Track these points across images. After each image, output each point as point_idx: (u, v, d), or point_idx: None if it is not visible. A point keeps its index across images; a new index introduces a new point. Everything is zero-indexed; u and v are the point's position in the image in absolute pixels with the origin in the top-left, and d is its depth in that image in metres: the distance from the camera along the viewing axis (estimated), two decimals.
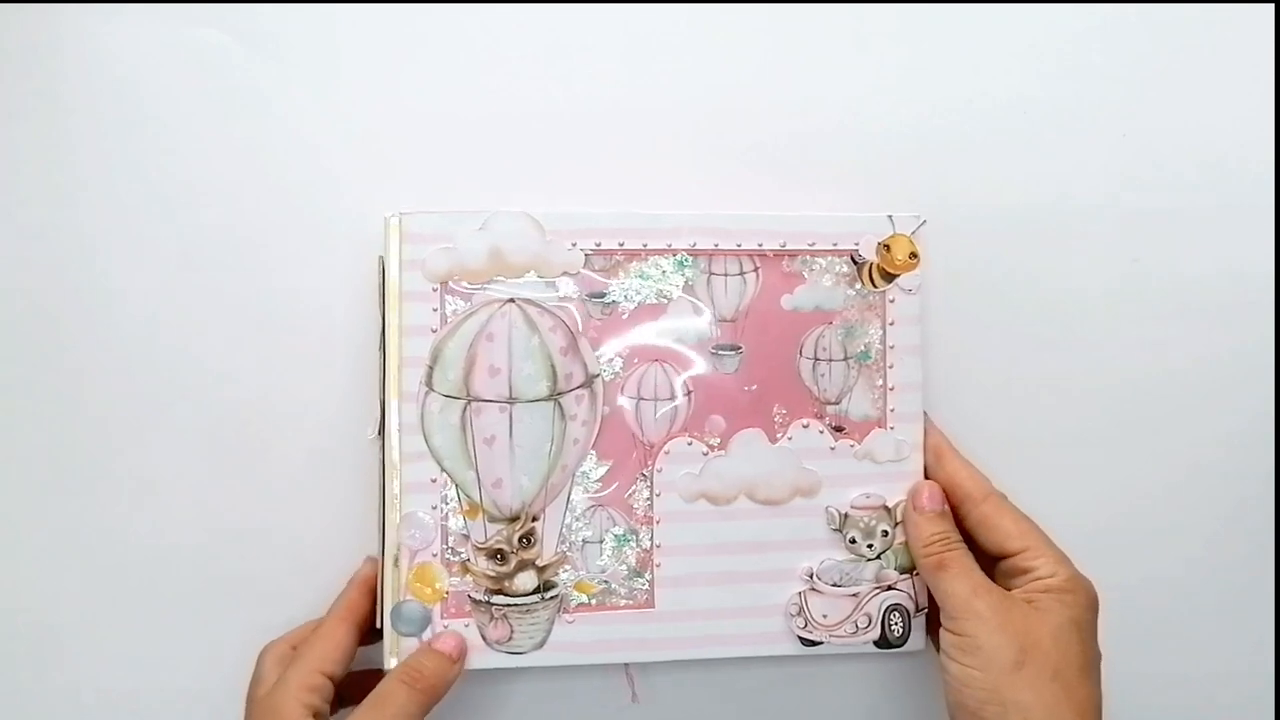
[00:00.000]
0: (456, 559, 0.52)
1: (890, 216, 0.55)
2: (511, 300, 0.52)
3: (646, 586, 0.53)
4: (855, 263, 0.55)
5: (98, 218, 0.54)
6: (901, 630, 0.55)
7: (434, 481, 0.52)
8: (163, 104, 0.55)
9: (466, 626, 0.52)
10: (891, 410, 0.55)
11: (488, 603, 0.52)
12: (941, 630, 0.50)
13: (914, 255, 0.55)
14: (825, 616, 0.54)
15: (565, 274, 0.53)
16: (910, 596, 0.55)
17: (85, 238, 0.54)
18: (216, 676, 0.55)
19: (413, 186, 0.55)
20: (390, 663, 0.51)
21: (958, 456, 0.55)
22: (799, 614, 0.54)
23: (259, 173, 0.55)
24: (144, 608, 0.55)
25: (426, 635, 0.52)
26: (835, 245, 0.55)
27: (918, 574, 0.54)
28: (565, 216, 0.53)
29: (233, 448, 0.55)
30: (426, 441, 0.52)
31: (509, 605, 0.52)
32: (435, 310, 0.52)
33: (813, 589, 0.54)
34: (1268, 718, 0.60)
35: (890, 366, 0.55)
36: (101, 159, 0.54)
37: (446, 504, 0.52)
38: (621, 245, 0.53)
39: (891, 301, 0.55)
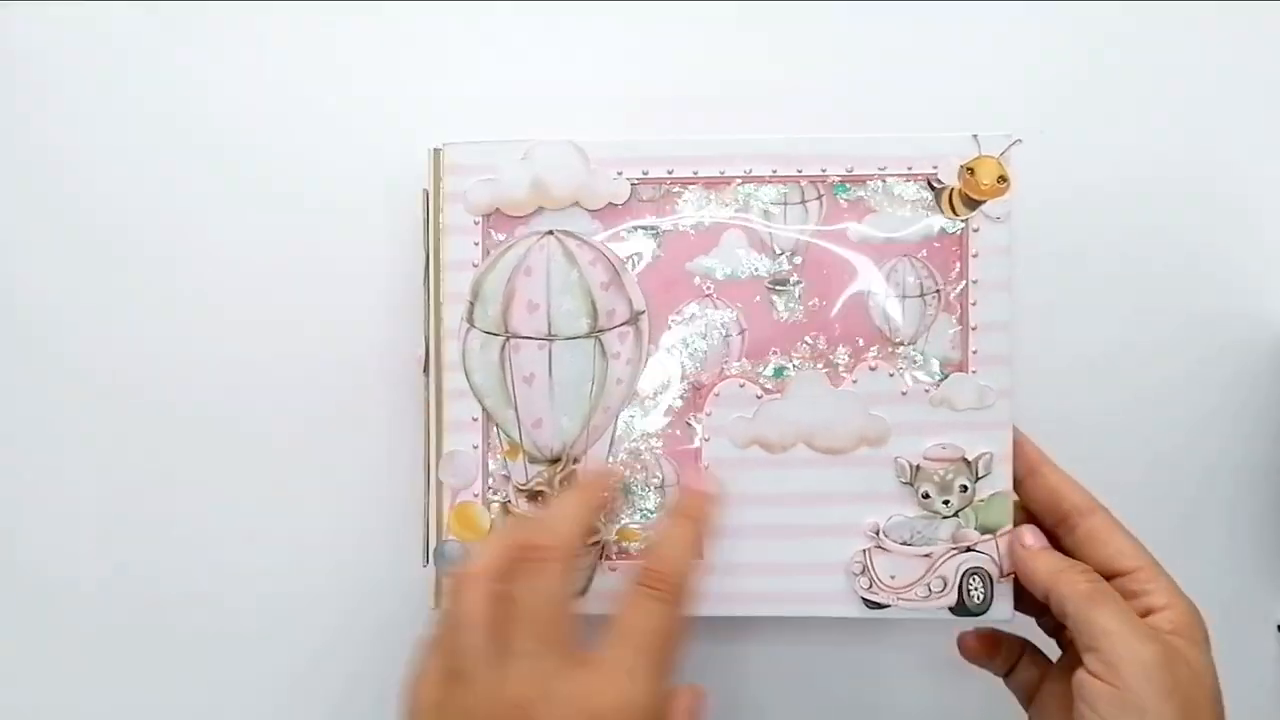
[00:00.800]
0: (497, 500, 0.51)
1: (975, 136, 0.49)
2: (550, 233, 0.50)
3: None
4: (933, 188, 0.49)
5: (141, 160, 0.55)
6: (982, 596, 0.49)
7: (475, 420, 0.50)
8: (201, 39, 0.55)
9: None
10: (974, 352, 0.49)
11: None
12: (1083, 674, 0.43)
13: (1003, 179, 0.49)
14: (893, 577, 0.49)
15: (611, 205, 0.50)
16: (994, 560, 0.49)
17: (124, 183, 0.55)
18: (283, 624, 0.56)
19: (462, 121, 0.54)
20: (432, 602, 0.51)
21: (1056, 468, 0.49)
22: (863, 573, 0.49)
23: (303, 110, 0.55)
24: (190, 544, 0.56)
25: None
26: (910, 170, 0.49)
27: (1001, 535, 0.49)
28: (611, 145, 0.50)
29: (282, 390, 0.55)
30: (468, 379, 0.50)
31: None
32: (477, 244, 0.50)
33: (879, 547, 0.49)
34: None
35: (973, 304, 0.49)
36: (144, 102, 0.55)
37: (488, 444, 0.51)
38: (671, 174, 0.50)
39: (975, 231, 0.49)
